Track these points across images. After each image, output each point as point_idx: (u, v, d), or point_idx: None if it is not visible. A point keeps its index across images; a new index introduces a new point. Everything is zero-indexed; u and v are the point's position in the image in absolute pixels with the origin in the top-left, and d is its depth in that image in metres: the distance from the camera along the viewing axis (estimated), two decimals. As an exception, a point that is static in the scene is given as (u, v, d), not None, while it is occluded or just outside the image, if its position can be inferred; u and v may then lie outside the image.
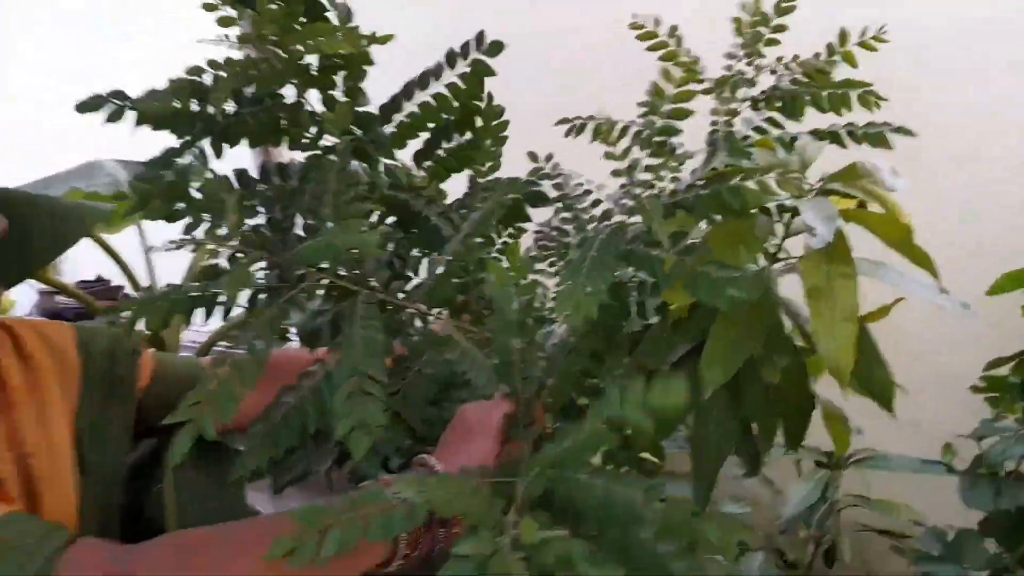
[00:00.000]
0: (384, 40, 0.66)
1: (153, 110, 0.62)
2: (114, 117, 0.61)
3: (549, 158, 0.80)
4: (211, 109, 0.64)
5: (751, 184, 0.49)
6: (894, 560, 1.64)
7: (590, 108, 0.67)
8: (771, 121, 0.63)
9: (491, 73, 0.73)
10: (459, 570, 0.39)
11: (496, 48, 0.72)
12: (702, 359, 0.53)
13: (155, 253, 1.82)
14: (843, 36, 0.61)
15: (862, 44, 0.61)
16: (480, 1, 2.05)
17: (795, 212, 0.52)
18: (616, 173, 0.60)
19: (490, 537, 0.40)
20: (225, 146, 0.67)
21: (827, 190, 0.52)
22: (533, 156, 0.78)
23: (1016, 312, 1.41)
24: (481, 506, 0.42)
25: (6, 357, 0.88)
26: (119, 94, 0.62)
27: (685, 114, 0.61)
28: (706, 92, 0.63)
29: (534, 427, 0.59)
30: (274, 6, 0.62)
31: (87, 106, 0.61)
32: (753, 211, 0.52)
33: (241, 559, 0.64)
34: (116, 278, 2.12)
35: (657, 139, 0.58)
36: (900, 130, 0.56)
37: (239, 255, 0.58)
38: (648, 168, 0.57)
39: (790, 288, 0.62)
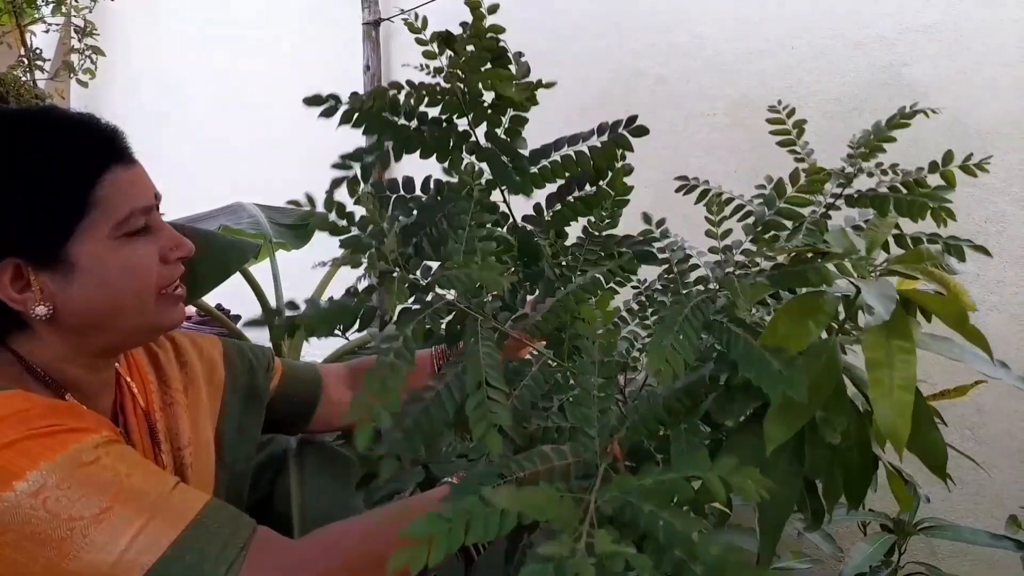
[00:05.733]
0: (548, 86, 0.72)
1: (355, 111, 0.68)
2: (328, 113, 0.68)
3: (661, 223, 0.83)
4: (400, 120, 0.71)
5: (829, 265, 0.52)
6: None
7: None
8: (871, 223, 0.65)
9: (629, 148, 0.77)
10: (536, 570, 0.42)
11: (640, 131, 0.76)
12: (767, 417, 0.55)
13: (286, 282, 1.91)
14: (947, 157, 0.64)
15: (963, 168, 0.63)
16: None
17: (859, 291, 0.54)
18: (712, 250, 0.64)
19: (570, 542, 0.43)
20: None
21: (891, 271, 0.54)
22: (646, 218, 0.83)
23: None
24: (563, 513, 0.45)
25: (169, 363, 0.96)
26: (335, 96, 0.69)
27: (795, 215, 0.63)
28: (814, 189, 0.65)
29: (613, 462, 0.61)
30: (470, 48, 0.68)
31: (311, 101, 0.67)
32: (823, 288, 0.54)
33: (385, 534, 0.73)
34: (234, 308, 2.22)
35: (760, 229, 0.61)
36: (979, 248, 0.58)
37: (394, 274, 0.62)
38: (745, 251, 0.60)
39: (856, 357, 0.64)
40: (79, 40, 1.99)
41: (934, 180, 0.62)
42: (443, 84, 0.72)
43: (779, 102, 0.70)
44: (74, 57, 2.00)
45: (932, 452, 0.55)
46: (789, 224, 0.59)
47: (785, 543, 1.74)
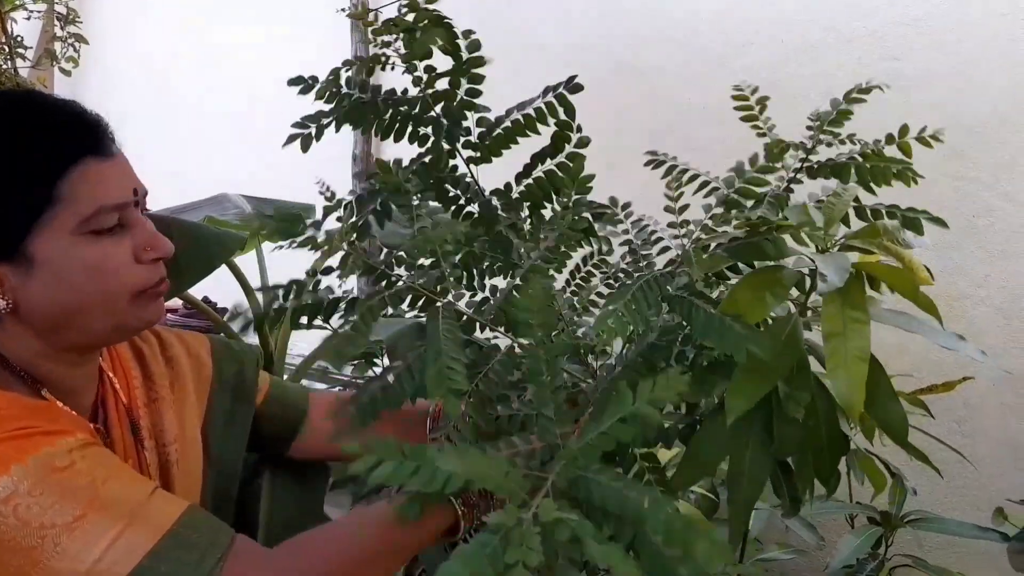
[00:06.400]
0: (482, 62, 0.77)
1: (323, 91, 0.76)
2: (304, 91, 0.75)
3: (627, 206, 0.84)
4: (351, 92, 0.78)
5: (786, 236, 0.52)
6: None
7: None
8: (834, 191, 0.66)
9: (570, 106, 0.81)
10: (485, 539, 0.43)
11: (576, 88, 0.80)
12: (727, 390, 0.55)
13: (272, 273, 1.91)
14: (903, 130, 0.64)
15: (919, 139, 0.63)
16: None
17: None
18: (671, 225, 0.64)
19: (516, 512, 0.44)
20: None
21: (848, 245, 0.54)
22: (614, 200, 0.83)
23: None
24: (511, 485, 0.46)
25: (154, 358, 0.94)
26: (313, 77, 0.76)
27: (753, 195, 0.63)
28: (773, 160, 0.66)
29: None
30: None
31: (294, 81, 0.75)
32: (780, 263, 0.54)
33: (363, 537, 0.73)
34: (221, 301, 2.21)
35: (720, 207, 0.61)
36: (935, 220, 0.58)
37: (349, 254, 0.66)
38: (704, 228, 0.60)
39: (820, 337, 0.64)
40: (62, 28, 1.98)
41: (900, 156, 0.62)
42: (389, 54, 0.76)
43: (743, 82, 0.70)
44: (57, 45, 1.99)
45: (892, 423, 0.56)
46: (748, 203, 0.60)
47: (771, 535, 1.75)
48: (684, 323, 0.59)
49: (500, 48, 0.78)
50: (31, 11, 1.97)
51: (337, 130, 0.81)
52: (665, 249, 0.73)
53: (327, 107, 0.79)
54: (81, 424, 0.79)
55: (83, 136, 0.76)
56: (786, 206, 0.58)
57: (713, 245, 0.58)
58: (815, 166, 0.63)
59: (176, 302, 2.01)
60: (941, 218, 0.58)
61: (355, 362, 1.83)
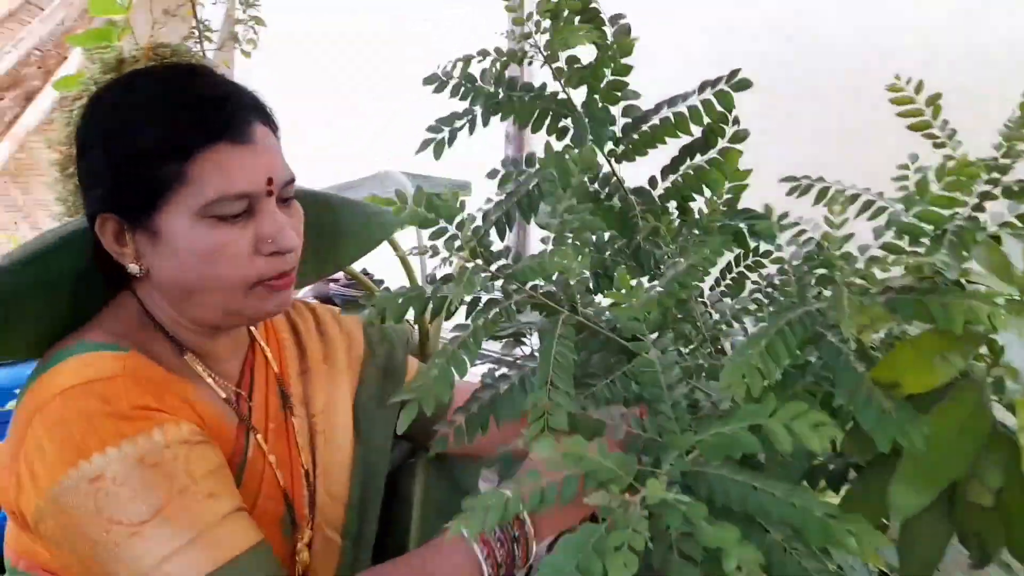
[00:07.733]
0: (632, 42, 0.74)
1: (456, 88, 0.75)
2: (439, 89, 0.74)
3: (783, 216, 0.75)
4: (488, 87, 0.76)
5: (964, 302, 0.41)
6: None
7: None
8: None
9: (732, 104, 0.75)
10: (592, 528, 0.41)
11: (743, 84, 0.73)
12: (893, 478, 0.45)
13: (424, 254, 1.93)
14: None
15: None
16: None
17: None
18: (827, 263, 0.54)
19: (619, 493, 0.42)
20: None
21: None
22: (768, 208, 0.75)
23: None
24: (612, 467, 0.44)
25: (308, 332, 0.98)
26: (447, 74, 0.76)
27: (940, 218, 0.50)
28: (960, 187, 0.53)
29: None
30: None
31: (429, 80, 0.75)
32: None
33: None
34: (378, 273, 2.27)
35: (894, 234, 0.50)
36: None
37: (467, 265, 0.63)
38: (872, 259, 0.49)
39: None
40: (243, 11, 2.09)
41: None
42: (527, 49, 0.72)
43: (896, 77, 0.56)
44: (238, 28, 2.10)
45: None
46: (928, 228, 0.48)
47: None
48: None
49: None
50: (217, -4, 2.11)
51: (471, 132, 0.77)
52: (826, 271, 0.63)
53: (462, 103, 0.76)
54: (194, 417, 0.78)
55: (220, 120, 0.75)
56: (974, 242, 0.46)
57: (874, 290, 0.47)
58: (1014, 187, 0.50)
59: (339, 273, 2.11)
60: None
61: (504, 340, 1.81)
